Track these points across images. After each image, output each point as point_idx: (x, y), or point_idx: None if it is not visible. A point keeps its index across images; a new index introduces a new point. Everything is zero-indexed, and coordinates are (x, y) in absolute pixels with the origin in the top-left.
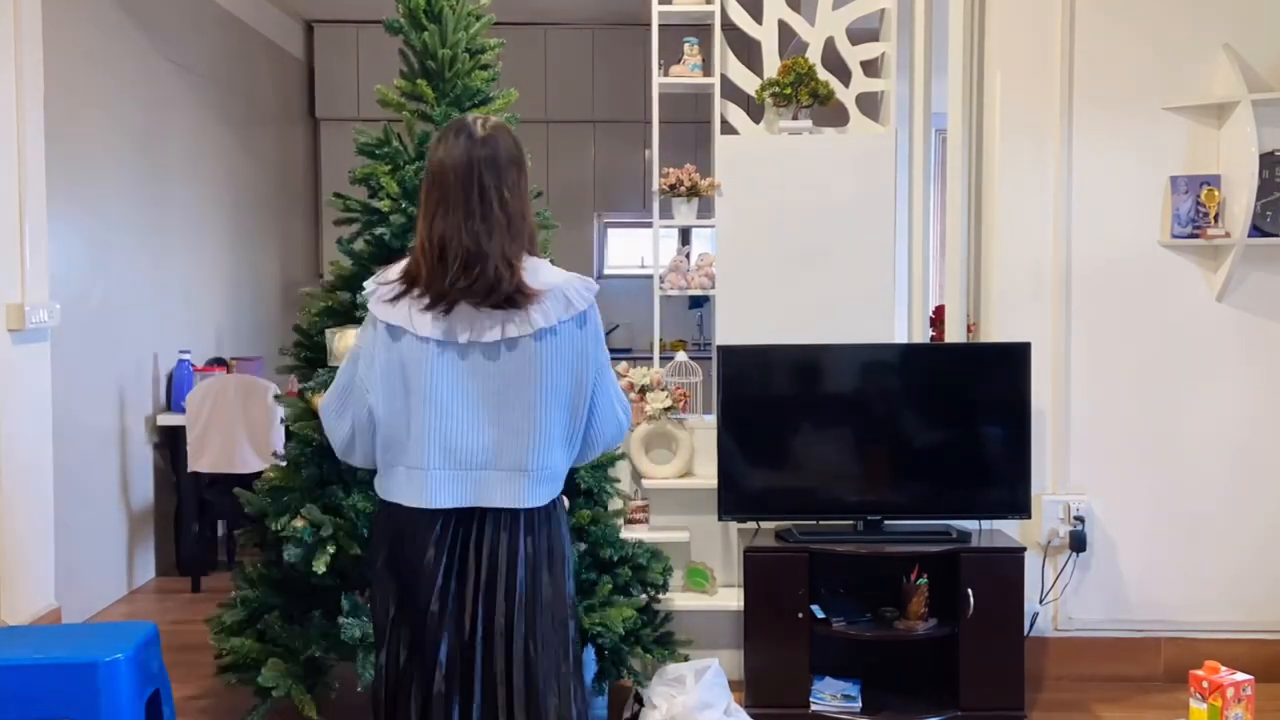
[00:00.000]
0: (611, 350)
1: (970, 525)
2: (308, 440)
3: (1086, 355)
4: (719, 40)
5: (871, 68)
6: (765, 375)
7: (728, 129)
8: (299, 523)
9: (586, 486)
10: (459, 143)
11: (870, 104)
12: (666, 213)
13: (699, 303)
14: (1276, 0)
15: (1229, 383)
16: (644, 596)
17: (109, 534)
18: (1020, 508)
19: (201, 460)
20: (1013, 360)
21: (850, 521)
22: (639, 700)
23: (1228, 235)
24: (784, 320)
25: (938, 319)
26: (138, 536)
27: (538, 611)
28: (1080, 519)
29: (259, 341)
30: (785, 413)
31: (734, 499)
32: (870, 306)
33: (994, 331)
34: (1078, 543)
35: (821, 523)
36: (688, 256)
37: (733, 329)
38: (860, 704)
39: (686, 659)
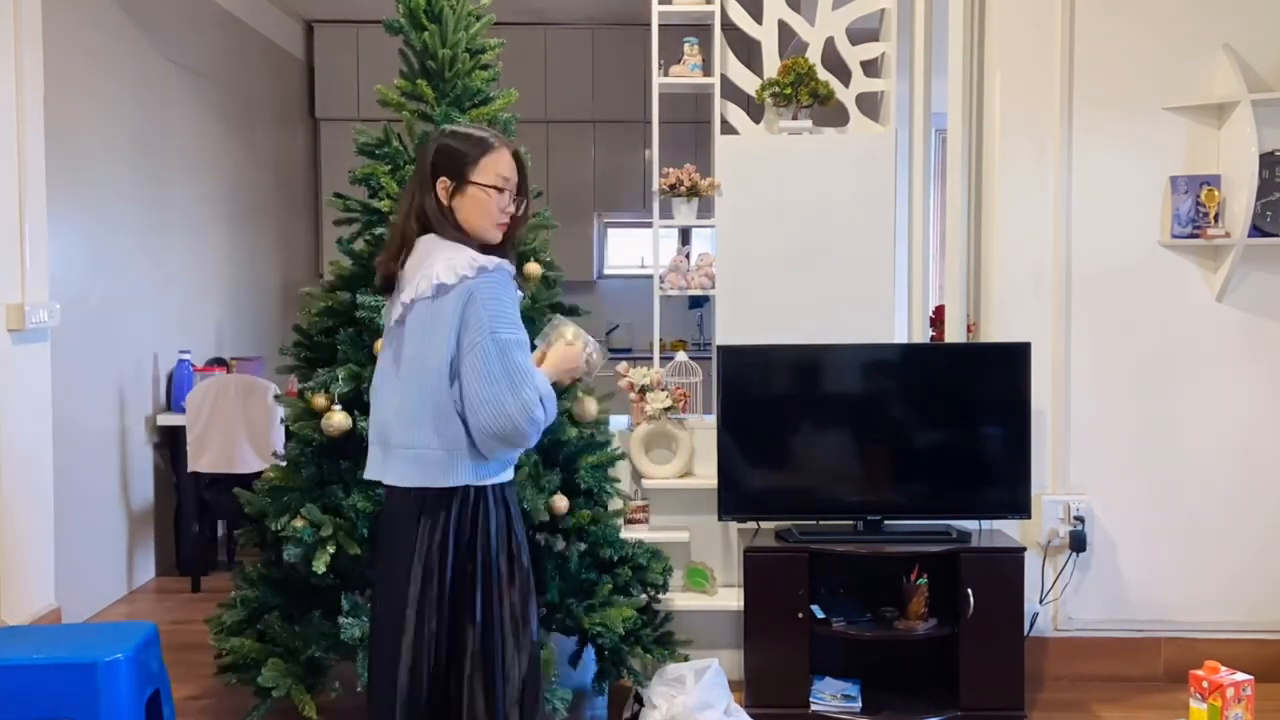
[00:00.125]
0: (611, 350)
1: (970, 525)
2: (308, 440)
3: (1086, 355)
4: (719, 40)
5: (871, 68)
6: (765, 375)
7: (728, 129)
8: (299, 523)
9: (586, 486)
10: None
11: (870, 104)
12: (666, 213)
13: (699, 303)
14: (1276, 0)
15: (1229, 383)
16: (644, 596)
17: (109, 534)
18: (1020, 508)
19: (201, 460)
20: (1013, 360)
21: (850, 521)
22: (639, 700)
23: (1228, 235)
24: (784, 320)
25: (938, 319)
26: (138, 536)
27: (465, 607)
28: (1080, 519)
29: (259, 341)
30: (785, 413)
31: (734, 499)
32: (870, 306)
33: (994, 331)
34: (1078, 543)
35: (821, 523)
36: (688, 256)
37: (733, 329)
38: (860, 704)
39: (686, 659)
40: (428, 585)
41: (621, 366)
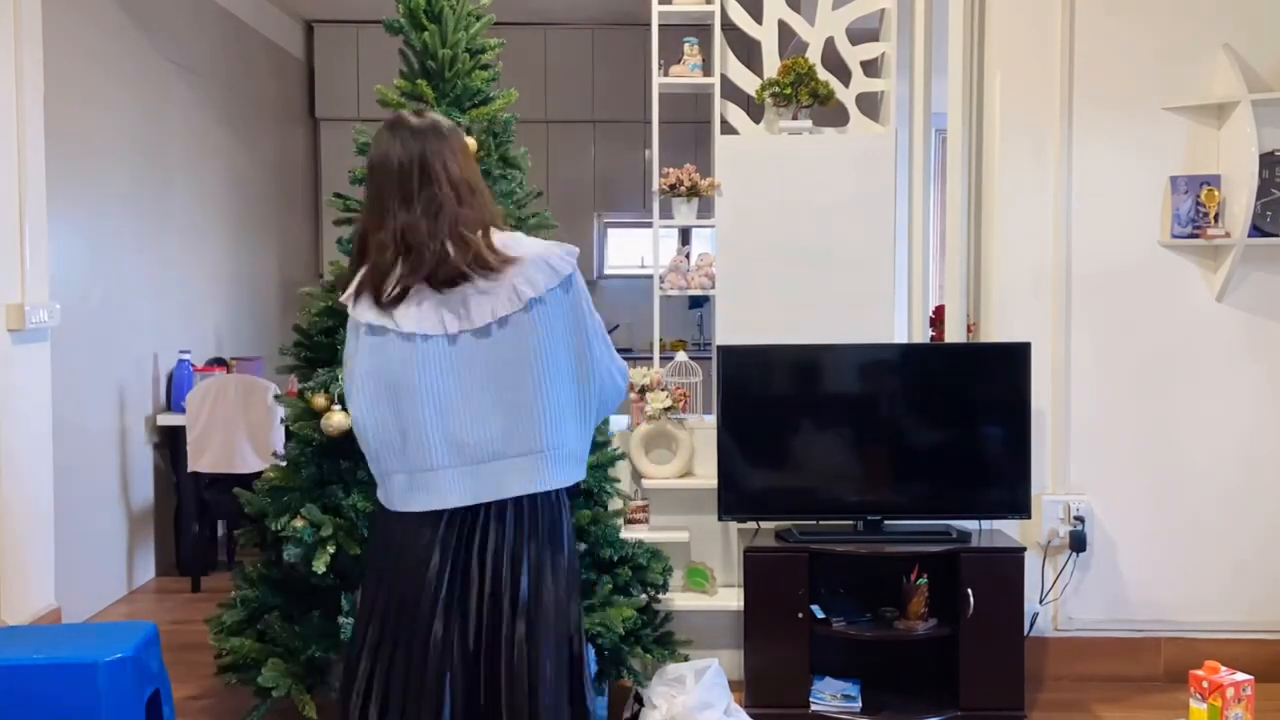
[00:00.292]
0: None
1: (970, 525)
2: (308, 440)
3: (1086, 355)
4: (719, 40)
5: (871, 68)
6: (765, 375)
7: (728, 129)
8: (299, 523)
9: (586, 486)
10: (396, 138)
11: (870, 104)
12: (666, 213)
13: (699, 303)
14: (1276, 0)
15: (1229, 383)
16: (644, 596)
17: (109, 534)
18: (1020, 508)
19: (201, 460)
20: (1013, 360)
21: (850, 521)
22: (639, 700)
23: (1228, 235)
24: (784, 320)
25: (938, 319)
26: (138, 536)
27: (541, 621)
28: (1080, 519)
29: (259, 341)
30: (785, 413)
31: (734, 499)
32: (870, 306)
33: (994, 331)
34: (1078, 543)
35: (821, 523)
36: (688, 256)
37: (733, 329)
38: (860, 704)
39: (686, 659)
40: (537, 585)
41: None
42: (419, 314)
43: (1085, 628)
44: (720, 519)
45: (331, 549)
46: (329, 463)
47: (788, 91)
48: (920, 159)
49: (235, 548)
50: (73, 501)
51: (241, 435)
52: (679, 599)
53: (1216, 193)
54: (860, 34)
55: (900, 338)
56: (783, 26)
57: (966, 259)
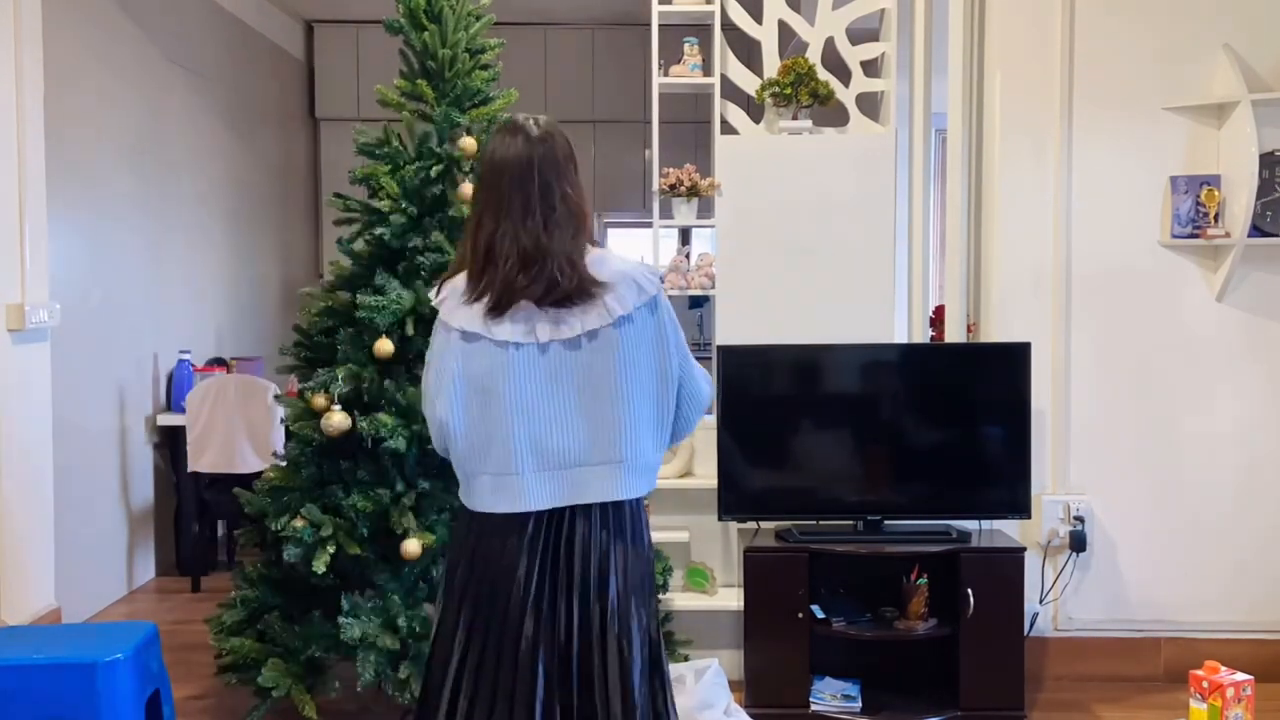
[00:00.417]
0: None
1: (970, 525)
2: (308, 440)
3: (1086, 355)
4: (719, 40)
5: (871, 68)
6: (765, 375)
7: (728, 129)
8: (299, 523)
9: None
10: (515, 141)
11: (870, 104)
12: (666, 213)
13: (699, 303)
14: (1276, 0)
15: (1229, 383)
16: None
17: (109, 534)
18: (1020, 508)
19: (201, 460)
20: (1013, 360)
21: (850, 521)
22: None
23: (1228, 235)
24: (784, 320)
25: (938, 319)
26: (138, 536)
27: (633, 622)
28: (1080, 519)
29: (259, 341)
30: (785, 413)
31: (734, 499)
32: (870, 306)
33: (994, 331)
34: (1078, 543)
35: (821, 523)
36: (688, 256)
37: (733, 329)
38: (860, 704)
39: (686, 659)
40: (617, 592)
41: None
42: (513, 323)
43: (1085, 628)
44: (720, 519)
45: (331, 549)
46: (329, 463)
47: (788, 91)
48: (920, 159)
49: (235, 548)
50: (73, 501)
51: (241, 435)
52: (679, 599)
53: (1216, 193)
54: (860, 34)
55: (900, 338)
56: (783, 26)
57: (966, 259)
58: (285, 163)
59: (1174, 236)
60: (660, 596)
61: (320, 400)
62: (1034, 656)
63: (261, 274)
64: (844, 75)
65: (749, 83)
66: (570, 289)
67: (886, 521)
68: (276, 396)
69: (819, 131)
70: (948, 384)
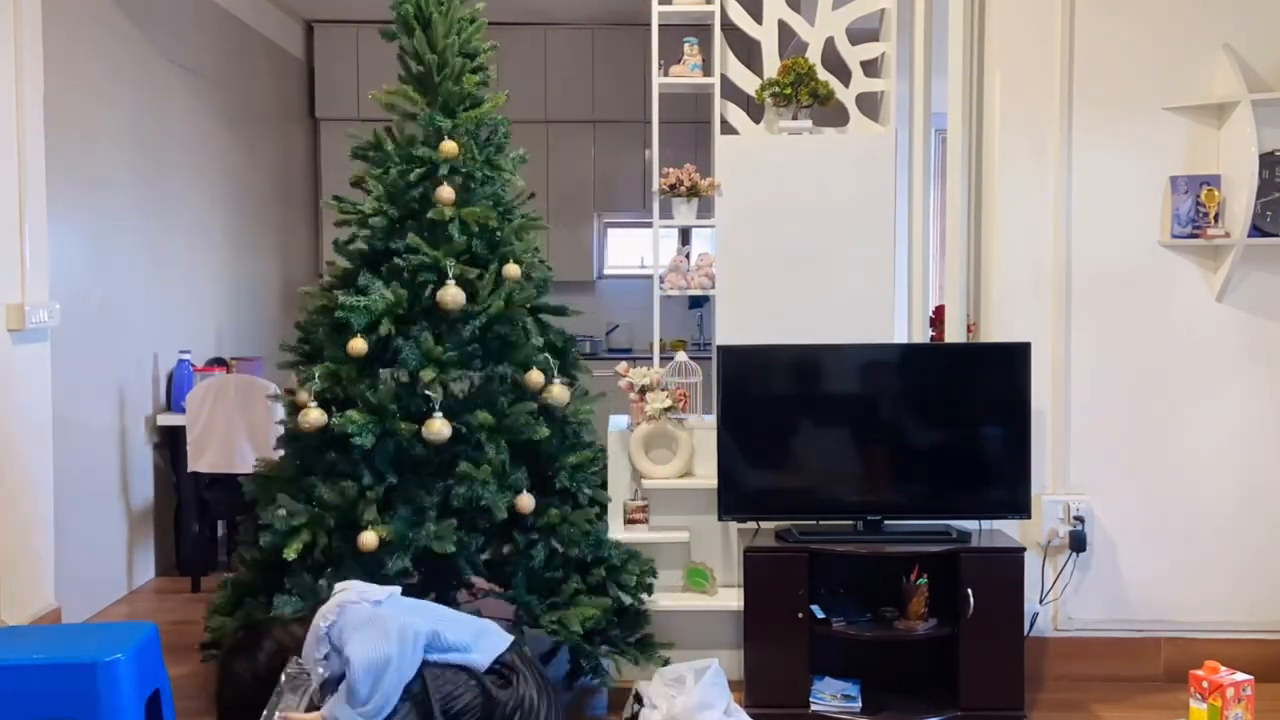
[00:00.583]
0: (611, 350)
1: (970, 525)
2: (293, 435)
3: (1086, 355)
4: (719, 40)
5: (871, 68)
6: (765, 375)
7: (728, 129)
8: (281, 511)
9: (562, 486)
10: None
11: (870, 104)
12: (666, 213)
13: (699, 303)
14: (1276, 0)
15: (1229, 383)
16: (623, 596)
17: (109, 534)
18: (1020, 508)
19: (201, 460)
20: (1013, 360)
21: (850, 521)
22: (639, 700)
23: (1228, 235)
24: (784, 320)
25: (938, 319)
26: (138, 536)
27: None
28: (1080, 519)
29: (259, 341)
30: (785, 413)
31: (734, 499)
32: (870, 306)
33: (994, 331)
34: (1078, 543)
35: (821, 523)
36: (688, 256)
37: (733, 329)
38: (860, 704)
39: (666, 662)
40: None
41: (621, 367)
42: None
43: (1085, 628)
44: (720, 519)
45: (306, 538)
46: (311, 456)
47: (788, 91)
48: (920, 159)
49: (235, 547)
50: (73, 501)
51: (241, 435)
52: (679, 599)
53: (1216, 193)
54: (860, 34)
55: (900, 338)
56: (783, 26)
57: (966, 259)
58: (285, 163)
59: (1174, 236)
60: (644, 597)
61: (303, 396)
62: (1034, 656)
63: (261, 274)
64: (844, 75)
65: (749, 83)
66: None
67: (886, 521)
68: (274, 395)
69: (819, 131)
70: (948, 384)
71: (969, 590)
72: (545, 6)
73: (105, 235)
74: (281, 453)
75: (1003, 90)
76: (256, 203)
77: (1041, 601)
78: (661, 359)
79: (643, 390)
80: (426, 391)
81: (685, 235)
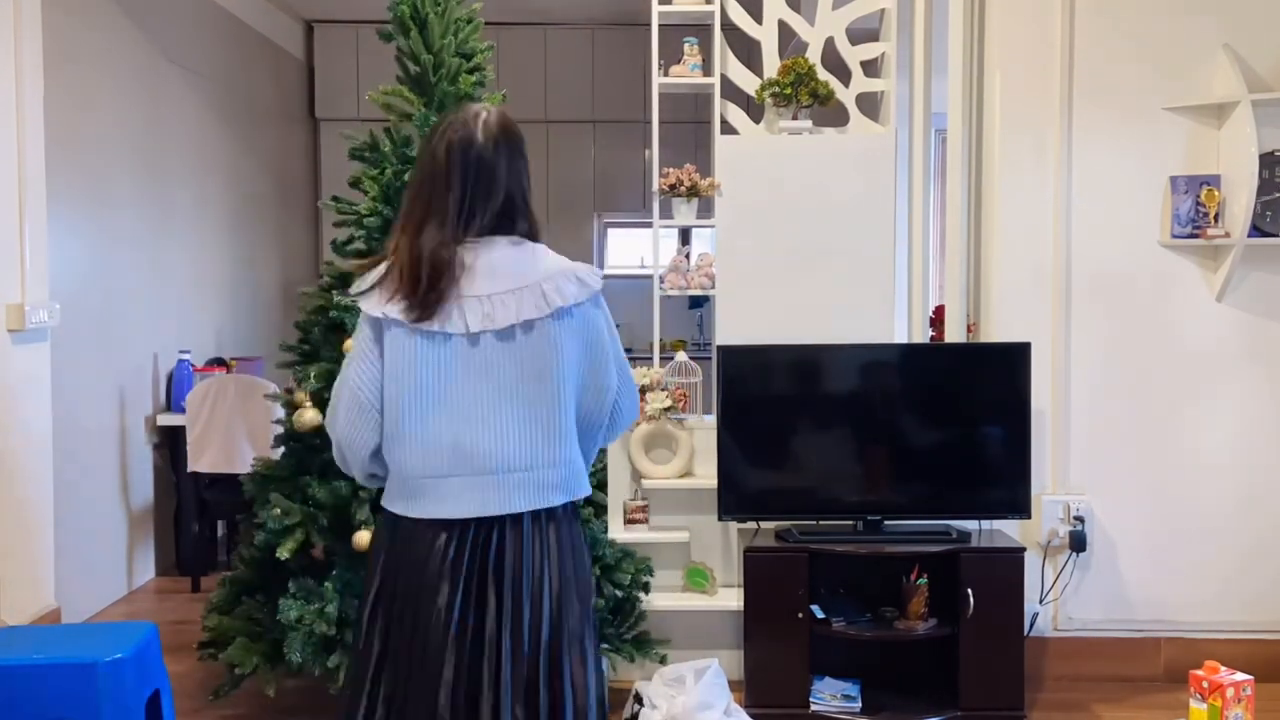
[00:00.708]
0: None
1: (970, 525)
2: (291, 434)
3: (1086, 355)
4: (719, 40)
5: (871, 68)
6: (765, 375)
7: (728, 129)
8: (276, 511)
9: None
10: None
11: (870, 104)
12: (666, 213)
13: (699, 303)
14: (1276, 0)
15: (1229, 383)
16: (618, 593)
17: (109, 534)
18: (1020, 508)
19: (201, 460)
20: (1013, 360)
21: (850, 521)
22: (639, 700)
23: (1228, 235)
24: (784, 320)
25: (938, 319)
26: (138, 536)
27: (566, 646)
28: (1080, 519)
29: (259, 341)
30: (785, 413)
31: (734, 499)
32: (870, 306)
33: (994, 331)
34: (1078, 543)
35: (821, 523)
36: (687, 256)
37: (733, 329)
38: (860, 704)
39: (663, 659)
40: (533, 605)
41: None
42: (441, 310)
43: (1085, 628)
44: (720, 519)
45: (300, 536)
46: (307, 454)
47: (788, 91)
48: (920, 159)
49: (235, 546)
50: (73, 501)
51: (241, 435)
52: (678, 599)
53: (1216, 193)
54: (860, 34)
55: (900, 338)
56: (783, 26)
57: (966, 259)
58: (285, 163)
59: (1174, 236)
60: (641, 596)
61: (300, 396)
62: (1034, 656)
63: (261, 274)
64: (844, 75)
65: (749, 83)
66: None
67: (886, 521)
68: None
69: (819, 131)
70: (948, 384)
71: (969, 590)
72: (545, 6)
73: (105, 235)
74: (281, 451)
75: (1003, 90)
76: (256, 203)
77: (1041, 601)
78: (661, 359)
79: (642, 390)
80: None
81: (685, 235)
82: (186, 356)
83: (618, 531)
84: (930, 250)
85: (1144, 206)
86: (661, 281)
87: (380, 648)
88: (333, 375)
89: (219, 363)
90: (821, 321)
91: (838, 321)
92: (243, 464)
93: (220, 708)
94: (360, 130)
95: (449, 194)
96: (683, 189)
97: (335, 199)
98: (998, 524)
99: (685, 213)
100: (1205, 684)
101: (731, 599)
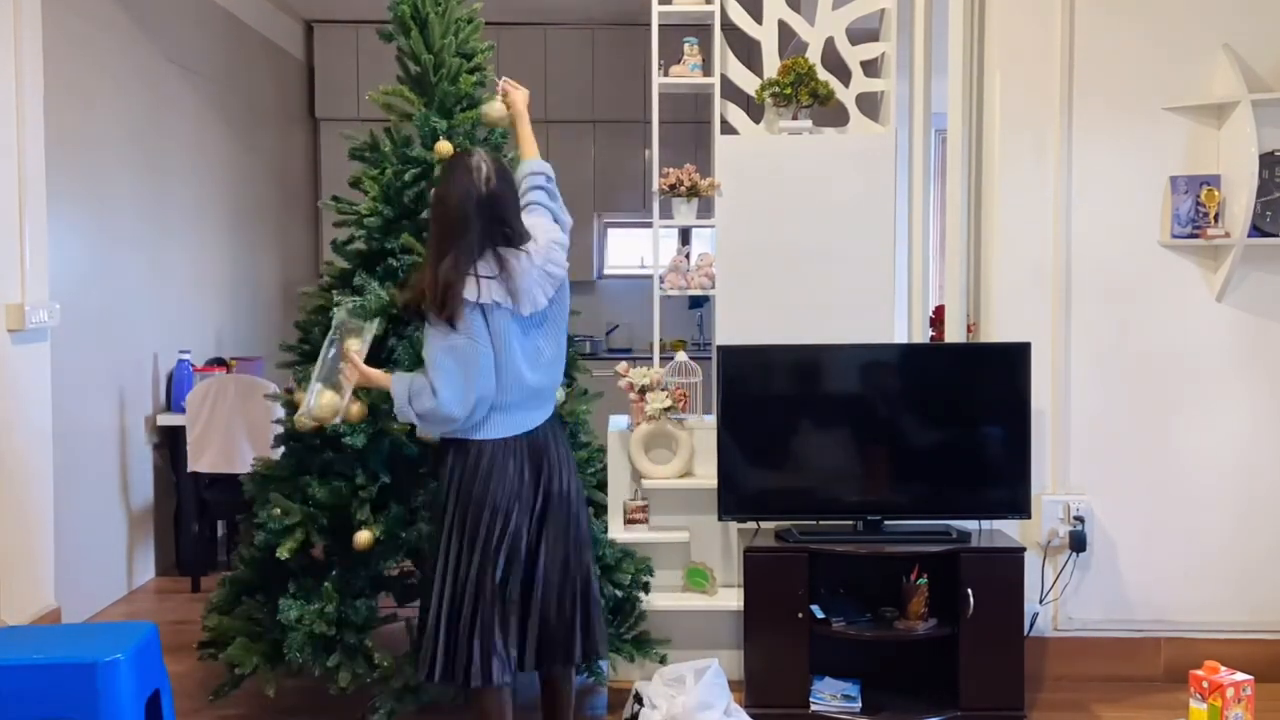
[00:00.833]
0: (611, 350)
1: (970, 525)
2: (291, 434)
3: (1086, 355)
4: (719, 40)
5: (871, 68)
6: (765, 375)
7: (728, 129)
8: (276, 511)
9: None
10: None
11: (870, 104)
12: (666, 213)
13: (699, 303)
14: (1276, 0)
15: (1228, 383)
16: (618, 592)
17: (109, 534)
18: (1020, 508)
19: (201, 460)
20: (1013, 360)
21: (850, 521)
22: (639, 700)
23: (1227, 235)
24: (784, 320)
25: (938, 319)
26: (138, 536)
27: (581, 508)
28: (1080, 519)
29: (259, 341)
30: (785, 413)
31: (734, 499)
32: (870, 306)
33: (994, 331)
34: (1078, 543)
35: (821, 523)
36: (687, 256)
37: (733, 329)
38: (860, 704)
39: (663, 659)
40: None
41: (621, 367)
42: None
43: (1085, 628)
44: (720, 519)
45: (301, 536)
46: (307, 454)
47: (788, 91)
48: (920, 159)
49: (235, 546)
50: (73, 501)
51: (241, 435)
52: (679, 599)
53: (1216, 193)
54: (860, 34)
55: (900, 338)
56: (783, 26)
57: (966, 259)
58: (285, 163)
59: (1174, 236)
60: (641, 596)
61: (300, 396)
62: (1034, 656)
63: (261, 274)
64: (844, 75)
65: (749, 83)
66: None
67: (886, 521)
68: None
69: (819, 131)
70: (948, 384)
71: (969, 590)
72: (545, 6)
73: (105, 235)
74: (281, 451)
75: (1003, 90)
76: (256, 203)
77: (1041, 601)
78: (661, 359)
79: (643, 390)
80: None
81: (685, 235)
82: (186, 356)
83: (618, 531)
84: (930, 250)
85: (1144, 206)
86: (661, 281)
87: (459, 544)
88: None
89: (219, 363)
90: (821, 321)
91: (838, 321)
92: (243, 464)
93: (220, 708)
94: (360, 130)
95: (469, 233)
96: (683, 189)
97: (335, 199)
98: (998, 524)
99: (685, 213)
100: (1205, 684)
101: (731, 599)
